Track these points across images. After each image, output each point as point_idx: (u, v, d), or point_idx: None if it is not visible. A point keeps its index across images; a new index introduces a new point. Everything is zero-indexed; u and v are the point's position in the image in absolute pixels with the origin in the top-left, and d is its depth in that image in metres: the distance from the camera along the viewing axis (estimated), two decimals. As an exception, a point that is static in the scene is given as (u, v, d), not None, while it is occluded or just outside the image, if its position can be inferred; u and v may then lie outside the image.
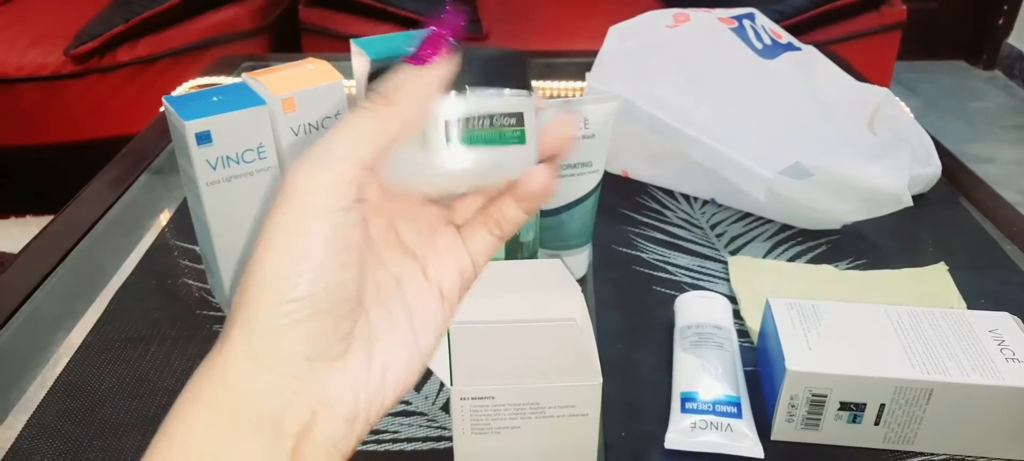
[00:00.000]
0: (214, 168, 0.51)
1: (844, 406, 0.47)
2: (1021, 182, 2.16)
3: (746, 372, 0.52)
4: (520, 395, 0.42)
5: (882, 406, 0.46)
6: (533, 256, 0.56)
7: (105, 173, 0.81)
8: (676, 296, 0.58)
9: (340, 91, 0.55)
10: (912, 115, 0.82)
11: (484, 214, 0.32)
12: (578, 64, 0.90)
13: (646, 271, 0.65)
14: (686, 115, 0.70)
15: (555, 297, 0.45)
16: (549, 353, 0.42)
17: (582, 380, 0.42)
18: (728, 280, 0.64)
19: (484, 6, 1.72)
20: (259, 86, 0.54)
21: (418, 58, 0.27)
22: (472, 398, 0.42)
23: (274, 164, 0.54)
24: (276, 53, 1.79)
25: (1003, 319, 0.50)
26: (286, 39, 1.83)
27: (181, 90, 0.99)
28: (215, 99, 0.51)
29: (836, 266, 0.65)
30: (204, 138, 0.50)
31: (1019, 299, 0.62)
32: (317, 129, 0.55)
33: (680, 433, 0.48)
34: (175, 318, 0.59)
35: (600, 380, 0.42)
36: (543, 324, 0.42)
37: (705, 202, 0.75)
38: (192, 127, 0.49)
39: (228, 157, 0.51)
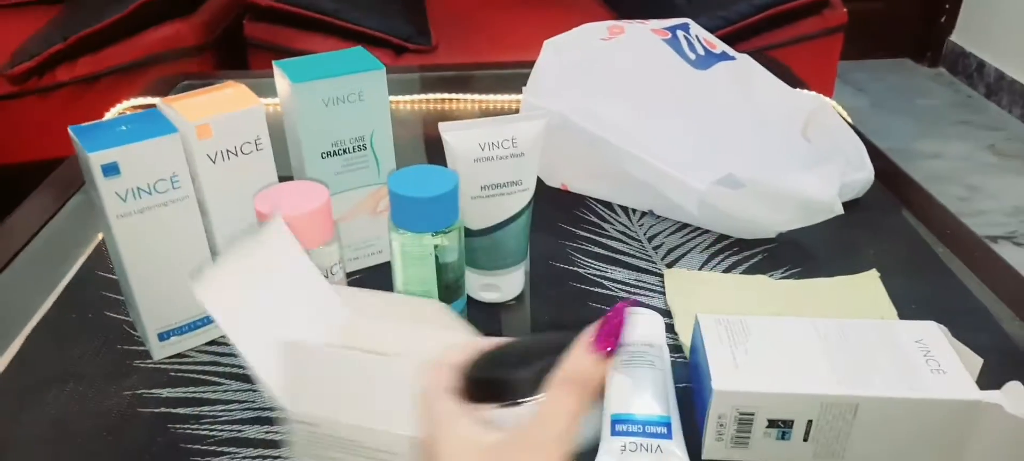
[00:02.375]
0: (124, 200, 0.49)
1: (772, 423, 0.46)
2: (967, 177, 2.21)
3: (681, 388, 0.52)
4: (339, 429, 0.40)
5: (810, 422, 0.46)
6: (459, 278, 0.55)
7: (28, 203, 0.78)
8: (610, 313, 0.58)
9: (259, 115, 0.54)
10: (848, 120, 0.82)
11: None
12: (521, 75, 0.89)
13: (583, 287, 0.64)
14: (621, 129, 0.69)
15: (445, 335, 0.43)
16: (381, 391, 0.39)
17: (395, 427, 0.39)
18: (664, 293, 0.63)
19: (433, 18, 1.70)
20: (173, 113, 0.52)
21: (603, 346, 0.32)
22: (297, 421, 0.41)
23: (190, 193, 0.52)
24: (221, 70, 1.75)
25: (929, 328, 0.50)
26: (232, 55, 1.79)
27: (112, 114, 0.97)
28: (123, 128, 0.50)
29: (772, 275, 0.65)
30: (111, 169, 0.48)
31: (949, 303, 0.62)
32: (235, 155, 0.53)
33: (610, 455, 0.47)
34: (95, 354, 0.57)
35: (412, 433, 0.38)
36: (378, 358, 0.40)
37: (643, 213, 0.74)
38: (97, 158, 0.47)
39: (139, 188, 0.50)
